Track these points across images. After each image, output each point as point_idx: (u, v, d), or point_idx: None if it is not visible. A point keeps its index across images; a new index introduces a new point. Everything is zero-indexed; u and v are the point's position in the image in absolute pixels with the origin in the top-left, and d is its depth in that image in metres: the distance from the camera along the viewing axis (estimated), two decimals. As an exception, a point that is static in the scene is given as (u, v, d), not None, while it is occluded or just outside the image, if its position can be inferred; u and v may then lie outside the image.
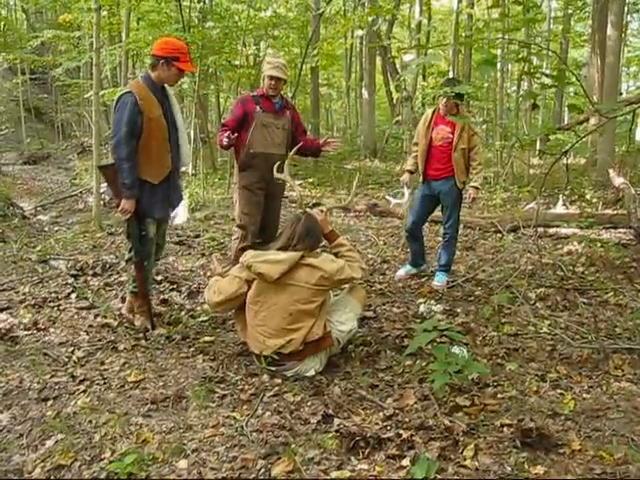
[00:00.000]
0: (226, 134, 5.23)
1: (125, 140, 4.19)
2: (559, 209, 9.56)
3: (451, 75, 19.13)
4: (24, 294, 5.46)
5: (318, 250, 4.20)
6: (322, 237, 4.22)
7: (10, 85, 21.07)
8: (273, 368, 3.82)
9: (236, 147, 5.48)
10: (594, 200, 10.49)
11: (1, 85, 21.01)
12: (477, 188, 5.92)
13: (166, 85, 4.54)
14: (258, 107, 5.43)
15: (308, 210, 4.35)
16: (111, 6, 15.59)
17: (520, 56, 4.08)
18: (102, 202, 9.28)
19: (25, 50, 20.31)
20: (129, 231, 4.49)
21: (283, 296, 3.81)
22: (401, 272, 6.31)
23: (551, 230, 8.30)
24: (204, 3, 16.21)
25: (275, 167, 4.84)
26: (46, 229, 9.00)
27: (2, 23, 26.06)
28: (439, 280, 5.92)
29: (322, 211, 4.34)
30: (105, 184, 4.48)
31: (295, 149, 5.19)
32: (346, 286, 4.29)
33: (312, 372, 3.83)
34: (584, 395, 3.52)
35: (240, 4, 17.09)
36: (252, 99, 5.48)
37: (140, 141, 4.26)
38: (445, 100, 5.72)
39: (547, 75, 3.83)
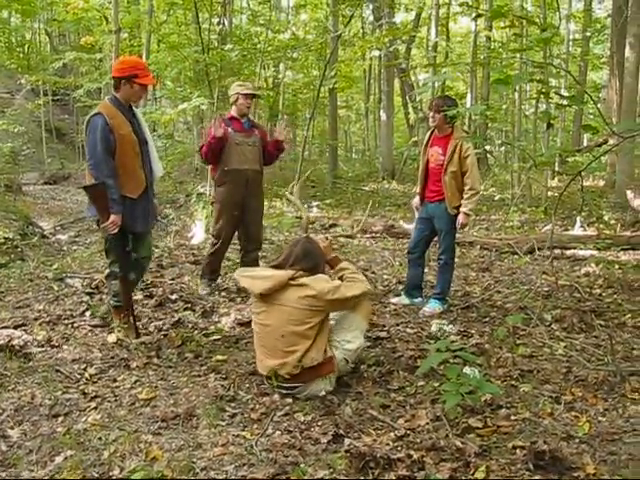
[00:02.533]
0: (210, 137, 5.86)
1: (103, 158, 4.35)
2: (576, 231, 9.49)
3: (469, 97, 19.19)
4: (39, 311, 5.50)
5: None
6: (322, 262, 4.12)
7: (32, 106, 21.35)
8: (283, 391, 3.78)
9: (213, 166, 6.16)
10: (612, 222, 10.41)
11: (24, 106, 21.27)
12: (467, 214, 5.57)
13: (133, 107, 4.74)
14: (230, 129, 6.00)
15: (312, 235, 4.41)
16: (132, 28, 15.80)
17: (536, 77, 4.07)
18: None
19: (48, 72, 20.62)
20: (109, 247, 4.67)
21: (275, 316, 3.77)
22: (393, 300, 6.06)
23: (568, 252, 8.24)
24: (223, 25, 16.38)
25: (290, 188, 5.08)
26: (64, 248, 9.08)
27: (26, 46, 26.53)
28: (430, 307, 5.70)
29: (327, 238, 4.36)
30: (89, 204, 4.59)
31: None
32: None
33: (322, 392, 3.78)
34: (599, 418, 3.46)
35: (259, 27, 17.28)
36: (223, 122, 6.02)
37: (115, 158, 4.42)
38: (432, 113, 5.62)
39: (561, 95, 3.82)
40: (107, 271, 4.81)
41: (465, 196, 5.54)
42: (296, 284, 3.76)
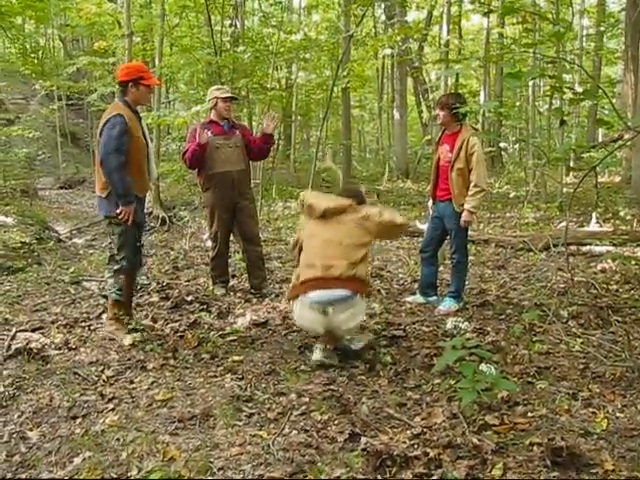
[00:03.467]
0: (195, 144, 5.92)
1: (114, 153, 4.49)
2: (592, 227, 9.43)
3: (482, 95, 19.12)
4: (56, 314, 5.55)
5: None
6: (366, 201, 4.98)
7: (47, 111, 21.47)
8: (330, 307, 4.15)
9: (198, 171, 6.19)
10: (628, 217, 10.34)
11: (38, 111, 21.40)
12: (470, 212, 5.50)
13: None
14: (209, 132, 6.01)
15: None
16: (144, 32, 15.85)
17: (549, 73, 4.05)
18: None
19: (62, 77, 20.73)
20: (124, 242, 4.77)
21: (335, 230, 4.40)
22: (408, 299, 6.05)
23: (584, 248, 8.19)
24: (235, 27, 16.42)
25: (320, 157, 5.52)
26: (80, 252, 9.15)
27: (40, 52, 26.70)
28: (444, 305, 5.68)
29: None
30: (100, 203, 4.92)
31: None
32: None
33: (361, 344, 4.51)
34: (617, 414, 3.44)
35: (271, 28, 17.29)
36: (202, 126, 6.11)
37: (128, 159, 4.56)
38: (438, 109, 5.62)
39: (573, 90, 3.81)
40: (117, 267, 4.84)
41: (469, 193, 5.48)
42: (352, 210, 4.50)
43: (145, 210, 5.41)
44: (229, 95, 6.13)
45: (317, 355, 4.26)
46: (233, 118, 6.51)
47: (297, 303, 4.35)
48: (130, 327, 4.92)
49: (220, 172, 6.01)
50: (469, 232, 6.01)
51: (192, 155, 5.95)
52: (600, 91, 4.12)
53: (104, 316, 5.38)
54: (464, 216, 5.52)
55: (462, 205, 5.53)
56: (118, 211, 4.61)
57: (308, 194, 4.79)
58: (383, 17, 20.57)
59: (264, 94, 16.03)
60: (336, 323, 4.20)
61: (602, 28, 19.39)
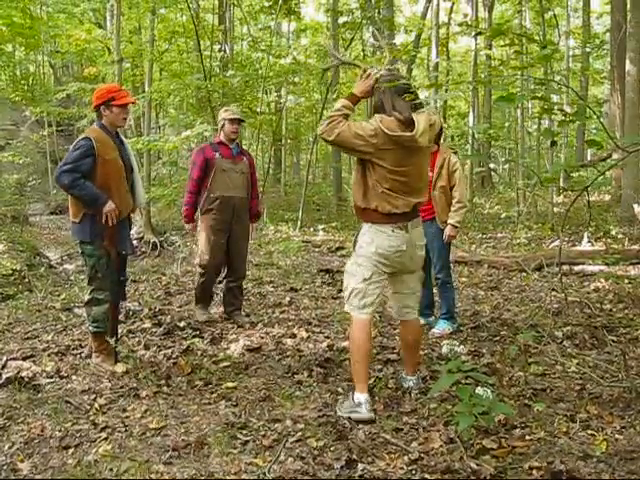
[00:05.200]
0: (189, 225, 6.15)
1: (67, 172, 4.47)
2: (584, 246, 9.45)
3: (471, 116, 19.23)
4: (47, 342, 5.48)
5: None
6: None
7: (37, 137, 21.48)
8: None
9: (197, 192, 6.01)
10: (620, 236, 10.38)
11: (28, 138, 21.41)
12: (454, 226, 5.59)
13: (120, 134, 4.97)
14: (217, 154, 5.95)
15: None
16: (134, 58, 15.91)
17: (538, 94, 4.07)
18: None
19: (52, 103, 20.76)
20: (99, 272, 4.67)
21: (422, 157, 3.93)
22: None
23: (577, 267, 8.20)
24: (225, 52, 16.50)
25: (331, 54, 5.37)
26: (72, 278, 9.09)
27: (30, 78, 26.76)
28: (438, 327, 5.68)
29: None
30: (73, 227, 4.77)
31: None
32: None
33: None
34: (617, 436, 3.41)
35: (260, 52, 17.39)
36: (210, 147, 6.06)
37: (97, 181, 4.53)
38: None
39: (563, 112, 3.82)
40: (87, 297, 4.76)
41: (453, 209, 5.60)
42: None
43: (136, 235, 5.35)
44: (237, 117, 6.06)
45: (367, 408, 3.78)
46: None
47: None
48: (121, 355, 4.86)
49: (223, 196, 5.92)
50: (462, 254, 6.03)
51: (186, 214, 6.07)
52: (589, 111, 4.14)
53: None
54: (449, 230, 5.60)
55: (445, 222, 5.62)
56: (105, 210, 4.51)
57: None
58: (371, 40, 20.73)
59: (254, 118, 16.09)
60: None
61: (588, 49, 19.60)
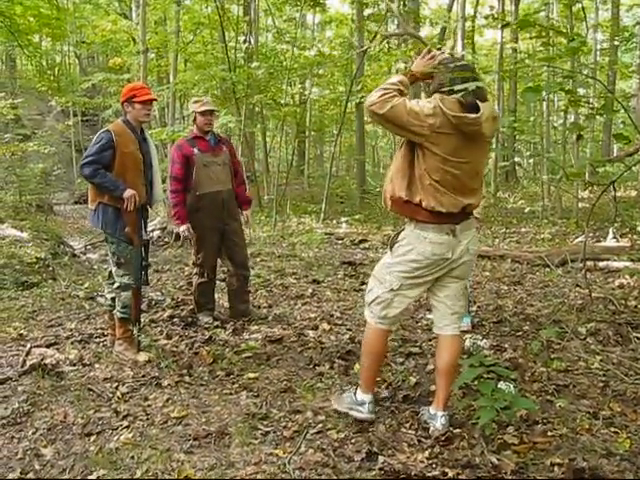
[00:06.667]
0: (184, 226, 5.65)
1: (89, 163, 4.66)
2: (609, 242, 9.35)
3: (496, 109, 19.07)
4: (71, 330, 5.55)
5: None
6: None
7: (62, 127, 21.67)
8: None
9: (182, 191, 5.67)
10: (646, 232, 10.25)
11: (54, 127, 21.60)
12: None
13: (145, 131, 5.11)
14: (195, 149, 5.66)
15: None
16: (159, 48, 15.97)
17: (565, 87, 4.02)
18: (150, 240, 9.40)
19: (77, 93, 20.94)
20: (127, 258, 4.80)
21: (480, 152, 3.42)
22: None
23: (601, 264, 8.11)
24: (249, 44, 16.51)
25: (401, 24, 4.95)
26: (95, 267, 9.16)
27: (56, 69, 26.99)
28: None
29: None
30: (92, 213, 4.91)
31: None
32: None
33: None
34: (640, 434, 3.39)
35: (285, 44, 17.38)
36: (187, 143, 5.72)
37: (115, 171, 4.71)
38: None
39: (591, 105, 3.77)
40: (117, 284, 4.85)
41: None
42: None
43: (159, 225, 5.38)
44: (208, 108, 5.67)
45: (370, 408, 3.63)
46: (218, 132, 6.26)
47: None
48: (144, 344, 4.90)
49: (210, 192, 5.64)
50: (485, 248, 5.97)
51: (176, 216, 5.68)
52: (617, 105, 4.08)
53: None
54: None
55: None
56: (125, 195, 4.66)
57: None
58: (397, 30, 20.62)
59: (278, 109, 16.13)
60: None
61: (616, 42, 19.34)
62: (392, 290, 3.45)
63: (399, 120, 3.19)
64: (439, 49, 3.95)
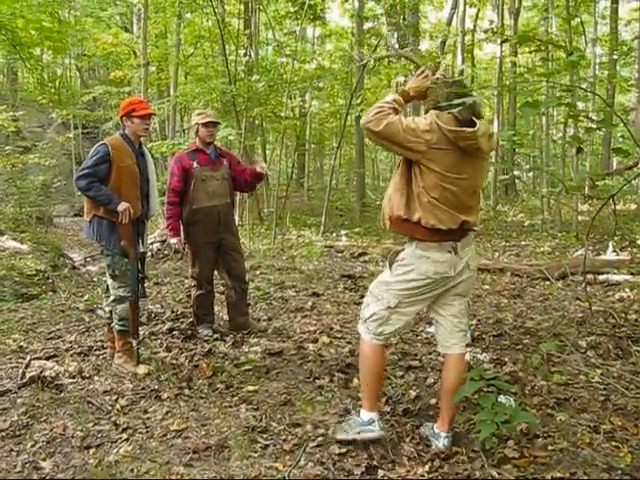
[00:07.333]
0: (175, 239, 5.69)
1: (84, 176, 4.69)
2: (609, 255, 9.35)
3: (496, 123, 19.14)
4: (70, 342, 5.54)
5: None
6: None
7: (62, 139, 21.72)
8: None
9: (178, 204, 5.69)
10: (645, 246, 10.24)
11: (54, 140, 21.66)
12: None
13: (143, 146, 5.13)
14: (194, 163, 5.65)
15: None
16: (160, 62, 16.02)
17: (564, 101, 4.04)
18: (150, 252, 9.41)
19: (78, 106, 21.00)
20: (123, 270, 4.79)
21: (477, 169, 3.40)
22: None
23: (601, 277, 8.11)
24: (250, 57, 16.57)
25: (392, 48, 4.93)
26: (95, 279, 9.16)
27: (57, 81, 27.08)
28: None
29: None
30: (87, 225, 4.95)
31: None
32: None
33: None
34: (641, 448, 3.38)
35: (285, 57, 17.45)
36: (187, 156, 5.72)
37: (110, 185, 4.73)
38: None
39: (590, 119, 3.79)
40: (112, 296, 4.85)
41: None
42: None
43: (159, 238, 5.38)
44: (211, 120, 5.67)
45: (379, 425, 3.52)
46: (220, 145, 6.25)
47: None
48: (143, 357, 4.90)
49: (206, 206, 5.62)
50: (485, 261, 5.97)
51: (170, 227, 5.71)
52: (616, 119, 4.10)
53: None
54: None
55: None
56: (119, 209, 4.65)
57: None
58: (396, 46, 20.73)
59: (278, 122, 16.16)
60: None
61: (615, 56, 19.42)
62: (389, 308, 3.41)
63: (395, 137, 3.19)
64: (438, 64, 3.99)
